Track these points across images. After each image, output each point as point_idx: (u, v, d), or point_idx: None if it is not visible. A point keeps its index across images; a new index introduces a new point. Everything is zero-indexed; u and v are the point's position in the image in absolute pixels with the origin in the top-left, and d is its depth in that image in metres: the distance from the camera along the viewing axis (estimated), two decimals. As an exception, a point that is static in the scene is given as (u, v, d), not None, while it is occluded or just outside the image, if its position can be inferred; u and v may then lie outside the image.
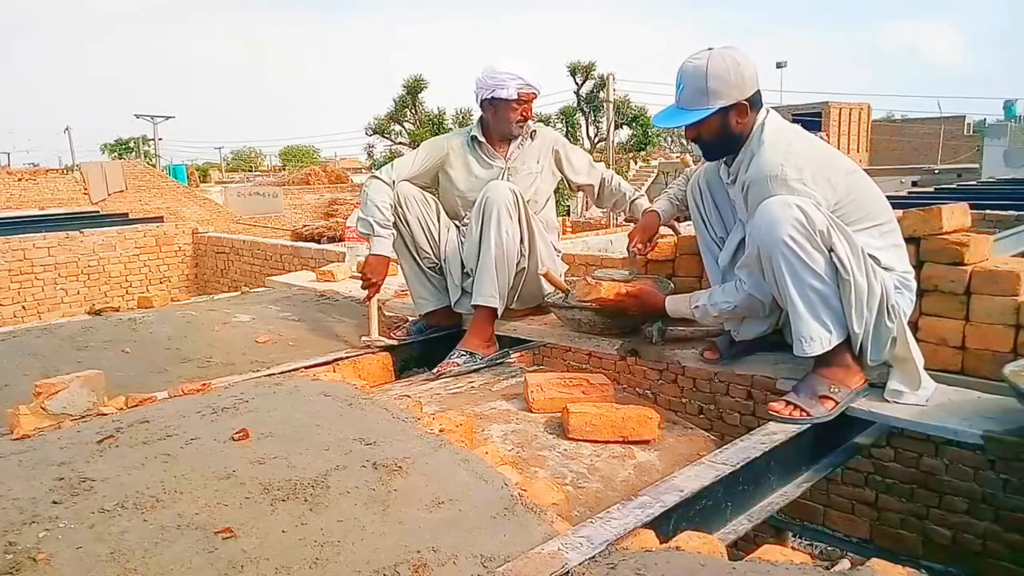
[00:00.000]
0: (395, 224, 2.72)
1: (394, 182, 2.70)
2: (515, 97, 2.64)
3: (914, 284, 1.98)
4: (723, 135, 1.99)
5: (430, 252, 2.77)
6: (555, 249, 2.85)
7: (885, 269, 1.89)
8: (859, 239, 1.83)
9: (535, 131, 2.82)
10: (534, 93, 2.68)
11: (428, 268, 2.80)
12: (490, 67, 2.66)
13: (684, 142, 2.78)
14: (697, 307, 2.13)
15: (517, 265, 2.61)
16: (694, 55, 1.96)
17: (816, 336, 1.84)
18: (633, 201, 2.92)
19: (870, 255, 1.85)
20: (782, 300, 1.89)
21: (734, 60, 1.92)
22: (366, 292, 2.75)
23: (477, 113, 2.82)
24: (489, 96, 2.67)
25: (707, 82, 1.91)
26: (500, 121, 2.71)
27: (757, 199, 1.86)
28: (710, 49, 1.95)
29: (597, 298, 2.30)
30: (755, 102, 1.96)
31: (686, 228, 2.63)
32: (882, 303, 1.83)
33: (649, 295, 2.30)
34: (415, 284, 2.84)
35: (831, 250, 1.79)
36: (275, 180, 28.98)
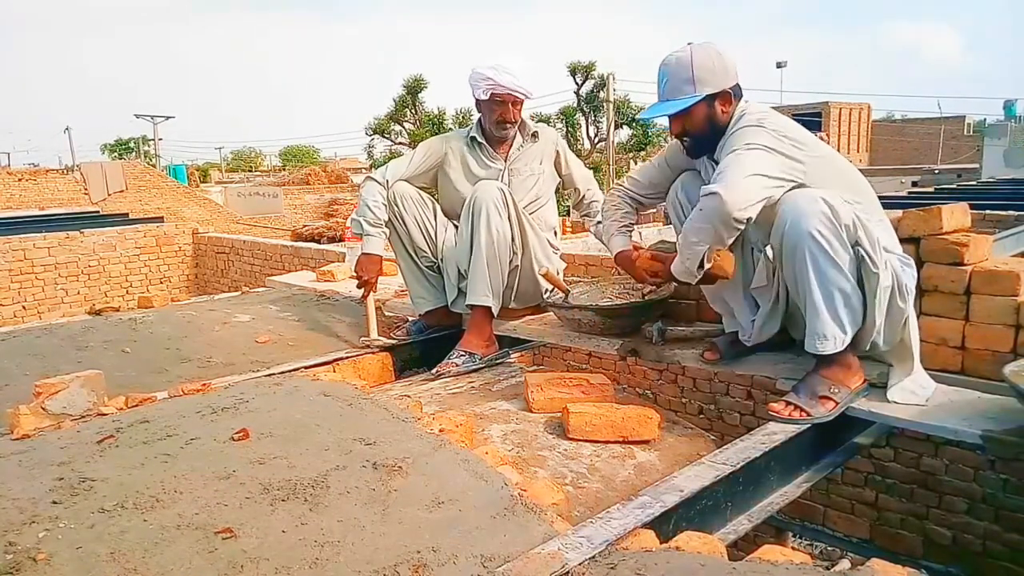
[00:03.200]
0: (392, 223, 2.74)
1: (387, 182, 2.72)
2: (487, 98, 2.65)
3: (911, 259, 1.97)
4: (709, 125, 2.00)
5: (427, 251, 2.78)
6: (552, 247, 2.85)
7: (887, 250, 1.86)
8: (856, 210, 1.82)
9: (536, 132, 2.82)
10: (510, 95, 2.65)
11: (426, 267, 2.80)
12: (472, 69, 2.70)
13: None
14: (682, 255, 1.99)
15: (510, 263, 2.61)
16: (674, 51, 2.00)
17: (831, 335, 1.84)
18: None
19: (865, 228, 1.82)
20: (800, 294, 1.87)
21: (716, 51, 1.98)
22: (362, 292, 2.77)
23: (476, 114, 2.84)
24: (474, 98, 2.73)
25: (693, 71, 1.94)
26: (485, 121, 2.75)
27: (731, 147, 1.88)
28: (690, 44, 1.99)
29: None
30: (737, 93, 2.00)
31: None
32: (894, 287, 1.83)
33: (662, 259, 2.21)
34: (413, 283, 2.85)
35: (856, 244, 1.78)
36: (275, 180, 28.98)
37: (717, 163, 1.98)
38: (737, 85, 2.00)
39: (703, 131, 2.02)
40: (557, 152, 2.89)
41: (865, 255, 1.78)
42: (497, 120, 2.70)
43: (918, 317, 2.21)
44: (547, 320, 2.79)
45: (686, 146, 2.12)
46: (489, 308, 2.58)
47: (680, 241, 1.99)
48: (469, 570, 1.20)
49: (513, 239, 2.59)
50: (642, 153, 25.55)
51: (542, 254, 2.73)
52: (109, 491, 1.33)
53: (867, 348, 1.90)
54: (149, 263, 9.59)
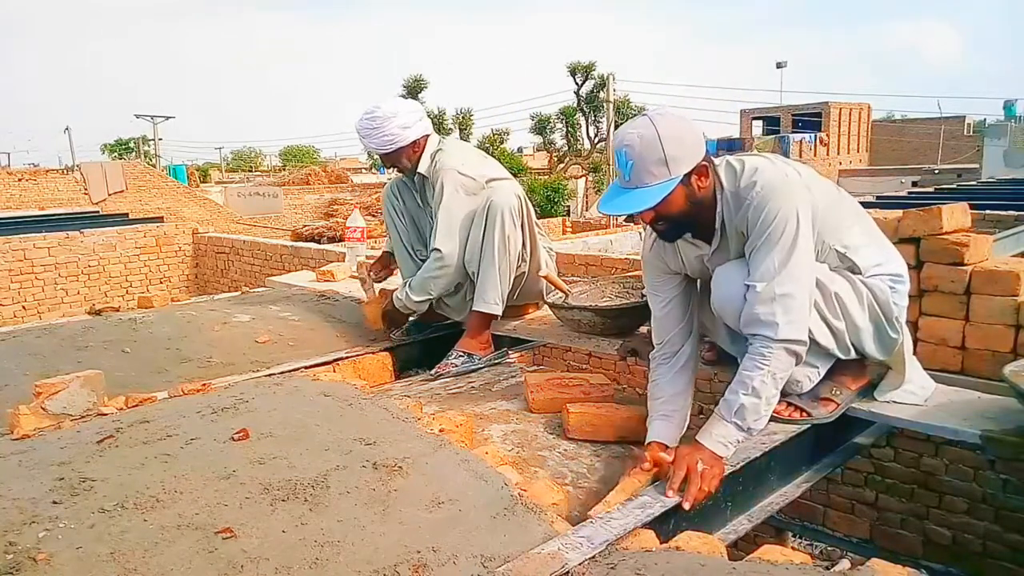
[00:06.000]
0: (392, 218, 2.82)
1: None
2: None
3: (904, 271, 1.89)
4: (689, 206, 1.71)
5: (423, 247, 2.81)
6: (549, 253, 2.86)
7: (875, 274, 1.82)
8: (847, 243, 1.80)
9: (418, 172, 2.66)
10: (374, 151, 2.64)
11: (421, 260, 2.82)
12: None
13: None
14: (750, 428, 1.71)
15: (517, 269, 2.62)
16: (630, 125, 1.70)
17: (801, 377, 1.84)
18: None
19: (855, 262, 1.80)
20: None
21: (679, 118, 1.69)
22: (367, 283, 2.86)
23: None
24: None
25: (663, 149, 1.63)
26: None
27: (774, 221, 1.69)
28: (644, 114, 1.71)
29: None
30: (708, 160, 1.73)
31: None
32: (879, 322, 1.81)
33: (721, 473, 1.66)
34: (408, 277, 2.86)
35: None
36: (275, 180, 28.97)
37: (711, 240, 1.81)
38: (706, 151, 1.73)
39: (682, 214, 1.72)
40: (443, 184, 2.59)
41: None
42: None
43: (918, 317, 2.21)
44: (547, 320, 2.79)
45: (658, 230, 1.79)
46: (492, 314, 2.59)
47: (753, 402, 1.67)
48: (469, 570, 1.20)
49: (524, 246, 2.59)
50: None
51: (543, 260, 2.74)
52: (109, 491, 1.33)
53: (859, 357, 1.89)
54: (149, 263, 9.60)
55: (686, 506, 1.53)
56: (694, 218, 1.76)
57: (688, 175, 1.67)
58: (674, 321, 1.93)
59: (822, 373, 1.86)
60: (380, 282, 2.93)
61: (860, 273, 1.81)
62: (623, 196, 1.69)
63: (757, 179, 1.71)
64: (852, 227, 1.84)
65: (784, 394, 1.96)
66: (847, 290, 1.79)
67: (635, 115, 24.10)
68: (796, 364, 1.73)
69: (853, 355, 1.84)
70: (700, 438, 1.68)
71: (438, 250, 2.57)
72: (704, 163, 1.70)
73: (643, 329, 2.46)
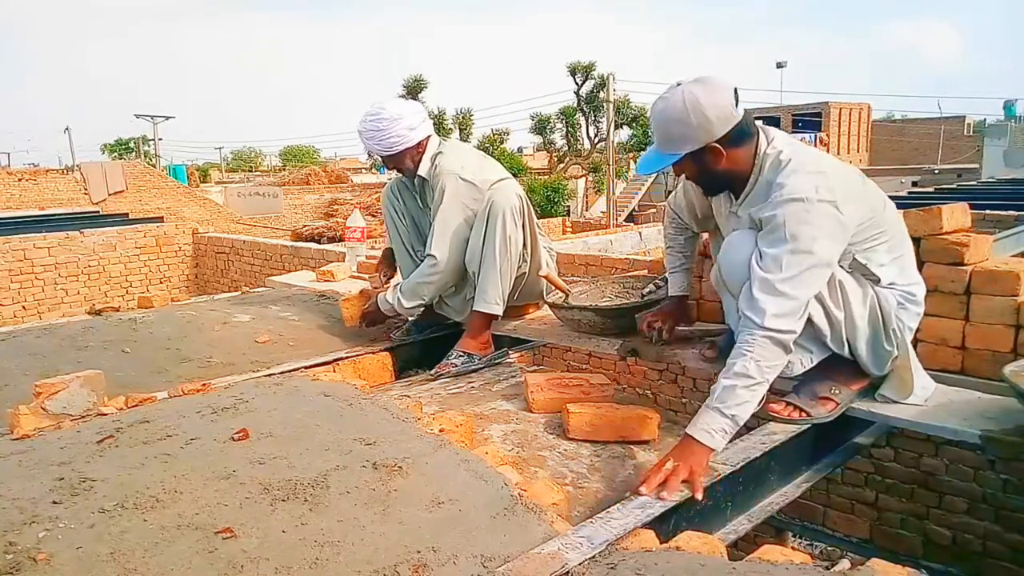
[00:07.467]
0: (393, 219, 2.81)
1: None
2: None
3: (921, 292, 1.88)
4: (707, 175, 1.85)
5: (424, 248, 2.81)
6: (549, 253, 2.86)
7: (888, 287, 1.81)
8: (869, 256, 1.79)
9: (418, 175, 2.64)
10: (376, 154, 2.64)
11: (422, 261, 2.82)
12: None
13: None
14: (733, 414, 1.65)
15: (518, 269, 2.62)
16: (663, 94, 1.78)
17: (793, 360, 1.82)
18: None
19: (872, 272, 1.79)
20: None
21: (696, 100, 1.70)
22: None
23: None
24: None
25: (669, 127, 1.76)
26: None
27: (783, 237, 1.69)
28: (679, 84, 1.76)
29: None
30: (733, 139, 1.75)
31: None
32: (877, 327, 1.80)
33: (697, 464, 1.61)
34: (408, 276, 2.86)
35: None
36: (275, 180, 28.96)
37: (735, 197, 1.87)
38: (736, 129, 1.73)
39: (703, 179, 1.89)
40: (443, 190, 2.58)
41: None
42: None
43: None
44: (547, 320, 2.79)
45: (699, 184, 1.97)
46: (493, 314, 2.59)
47: (733, 385, 1.64)
48: (469, 570, 1.20)
49: (524, 246, 2.59)
50: (642, 153, 25.59)
51: (544, 260, 2.74)
52: (109, 491, 1.33)
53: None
54: (149, 263, 9.61)
55: (698, 496, 1.52)
56: (725, 180, 1.86)
57: (694, 153, 1.77)
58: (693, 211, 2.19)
59: (815, 359, 1.85)
60: (390, 279, 2.93)
61: (874, 282, 1.82)
62: (650, 157, 1.90)
63: (786, 183, 1.70)
64: (878, 246, 1.81)
65: (782, 392, 1.97)
66: (852, 284, 1.79)
67: (635, 115, 24.08)
68: (784, 354, 1.71)
69: (847, 353, 1.84)
70: (688, 430, 1.66)
71: (433, 256, 2.57)
72: (715, 145, 1.74)
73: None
